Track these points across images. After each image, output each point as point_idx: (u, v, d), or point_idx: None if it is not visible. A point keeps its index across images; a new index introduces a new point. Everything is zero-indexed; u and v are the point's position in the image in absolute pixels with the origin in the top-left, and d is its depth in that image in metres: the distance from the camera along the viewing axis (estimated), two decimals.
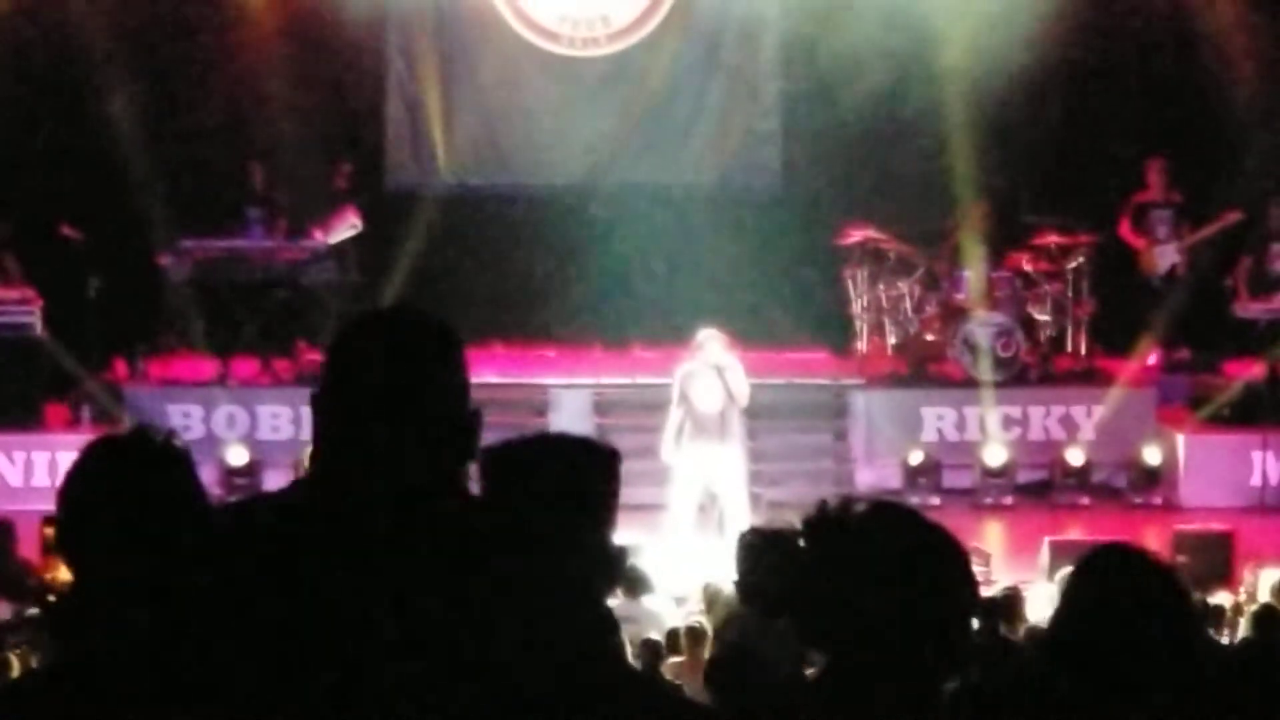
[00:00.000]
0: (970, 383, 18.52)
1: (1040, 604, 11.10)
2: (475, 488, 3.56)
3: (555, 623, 3.36)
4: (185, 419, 17.68)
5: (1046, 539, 14.61)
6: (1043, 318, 19.09)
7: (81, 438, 17.48)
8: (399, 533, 3.02)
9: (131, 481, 3.20)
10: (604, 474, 3.51)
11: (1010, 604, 11.35)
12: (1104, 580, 3.69)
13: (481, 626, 3.04)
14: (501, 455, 3.55)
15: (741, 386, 15.16)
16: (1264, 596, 12.30)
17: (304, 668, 2.96)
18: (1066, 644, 3.65)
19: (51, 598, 11.62)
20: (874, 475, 18.38)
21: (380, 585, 2.99)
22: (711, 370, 15.11)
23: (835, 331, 20.00)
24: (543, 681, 3.27)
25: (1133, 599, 3.61)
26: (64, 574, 10.89)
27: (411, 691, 2.98)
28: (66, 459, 14.19)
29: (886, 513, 3.29)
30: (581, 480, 3.48)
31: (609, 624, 3.56)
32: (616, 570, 3.53)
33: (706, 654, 10.62)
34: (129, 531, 3.17)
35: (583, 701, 3.34)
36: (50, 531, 14.38)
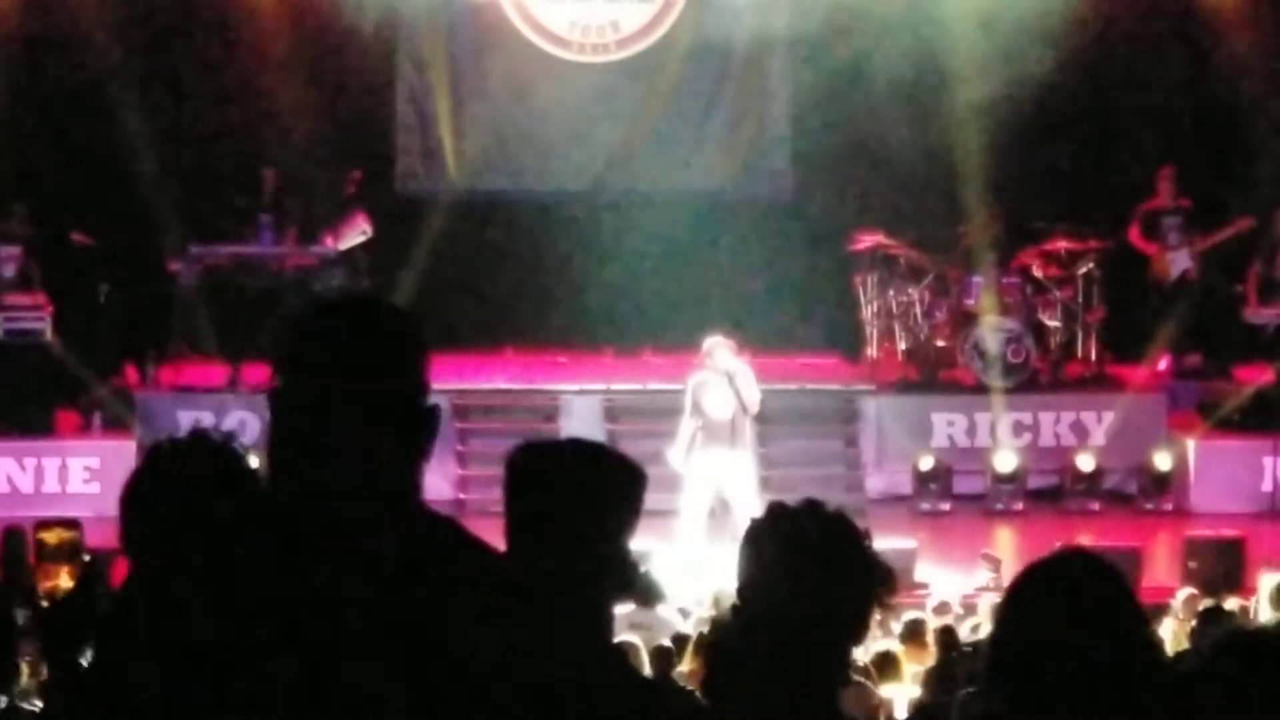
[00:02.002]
0: (981, 389, 18.52)
1: None
2: (501, 484, 3.57)
3: (563, 626, 3.37)
4: (196, 425, 17.67)
5: (1057, 545, 14.57)
6: (1053, 324, 19.09)
7: (92, 444, 17.56)
8: (357, 531, 3.00)
9: (197, 483, 3.20)
10: (632, 489, 3.53)
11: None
12: (1042, 589, 3.58)
13: (464, 629, 3.02)
14: (535, 454, 3.56)
15: (752, 394, 15.14)
16: (1266, 599, 12.30)
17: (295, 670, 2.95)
18: (1004, 654, 3.55)
19: (45, 604, 11.60)
20: (884, 481, 18.38)
21: (353, 588, 2.97)
22: (723, 377, 15.10)
23: (846, 337, 20.00)
24: (548, 684, 3.28)
25: (1071, 606, 3.50)
26: (64, 582, 10.85)
27: (406, 695, 2.97)
28: (78, 465, 14.33)
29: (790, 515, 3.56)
30: (610, 490, 3.49)
31: (609, 626, 3.57)
32: (631, 579, 3.54)
33: None
34: (194, 532, 3.17)
35: (590, 705, 3.34)
36: (46, 537, 14.43)
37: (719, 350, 15.19)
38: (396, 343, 3.09)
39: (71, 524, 14.64)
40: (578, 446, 3.69)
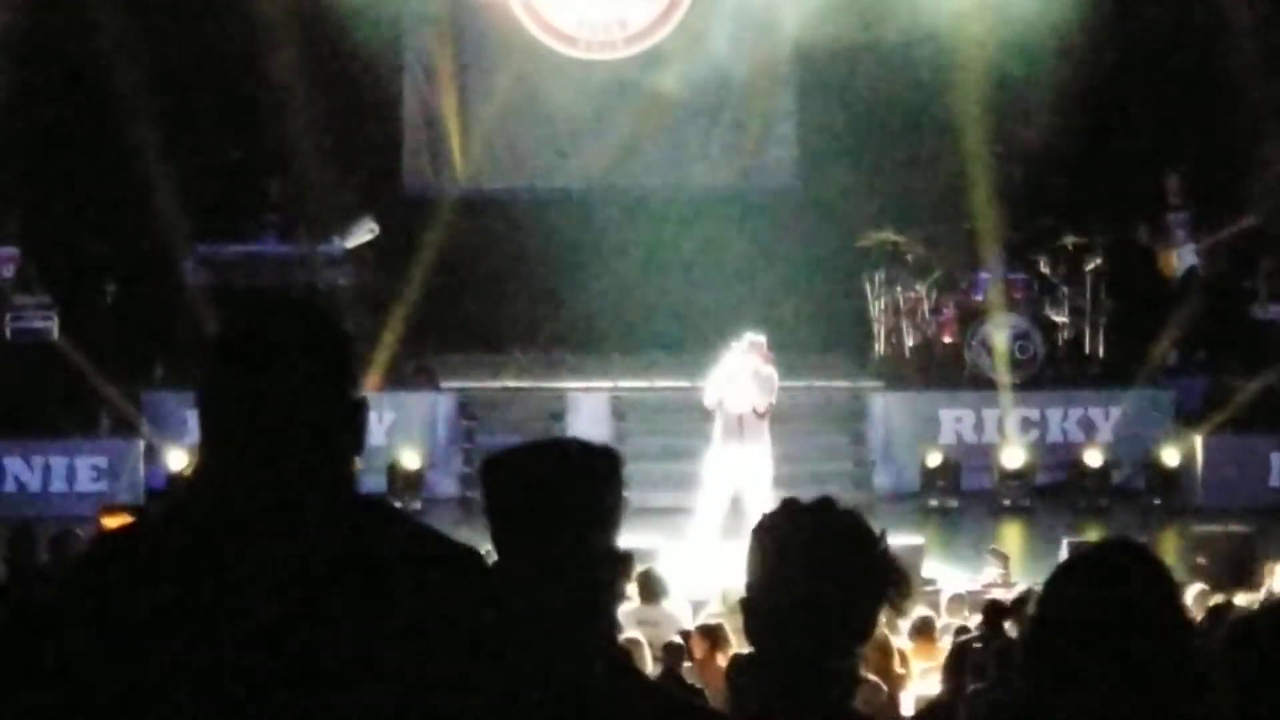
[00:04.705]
0: (988, 385, 18.52)
1: None
2: (477, 493, 3.57)
3: (555, 629, 3.36)
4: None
5: (1065, 540, 14.58)
6: (1060, 320, 19.08)
7: (99, 443, 17.57)
8: (298, 525, 3.01)
9: None
10: (606, 477, 3.50)
11: (1026, 606, 11.33)
12: (1086, 580, 3.49)
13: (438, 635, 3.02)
14: (502, 462, 3.54)
15: (757, 395, 15.32)
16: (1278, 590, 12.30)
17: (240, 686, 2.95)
18: (1044, 636, 3.51)
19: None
20: (892, 478, 18.38)
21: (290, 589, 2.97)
22: (743, 373, 15.30)
23: (853, 334, 19.99)
24: (544, 689, 3.26)
25: (1113, 599, 3.47)
26: None
27: (394, 702, 2.97)
28: (85, 465, 14.43)
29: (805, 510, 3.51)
30: (582, 484, 3.47)
31: (612, 626, 3.55)
32: (621, 573, 3.52)
33: (723, 653, 10.63)
34: None
35: (583, 703, 3.33)
36: (109, 522, 14.48)
37: (738, 346, 15.43)
38: (327, 339, 3.13)
39: (137, 510, 14.70)
40: (544, 446, 3.66)
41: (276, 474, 3.02)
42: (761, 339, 15.67)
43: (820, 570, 3.42)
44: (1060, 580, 3.48)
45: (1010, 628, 10.85)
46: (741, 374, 15.42)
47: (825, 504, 3.55)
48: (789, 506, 3.57)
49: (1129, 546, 3.52)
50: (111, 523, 14.45)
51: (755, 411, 15.37)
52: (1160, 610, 3.40)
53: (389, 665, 2.95)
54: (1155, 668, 3.34)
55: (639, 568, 11.97)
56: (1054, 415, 18.66)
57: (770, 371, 15.56)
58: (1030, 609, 3.68)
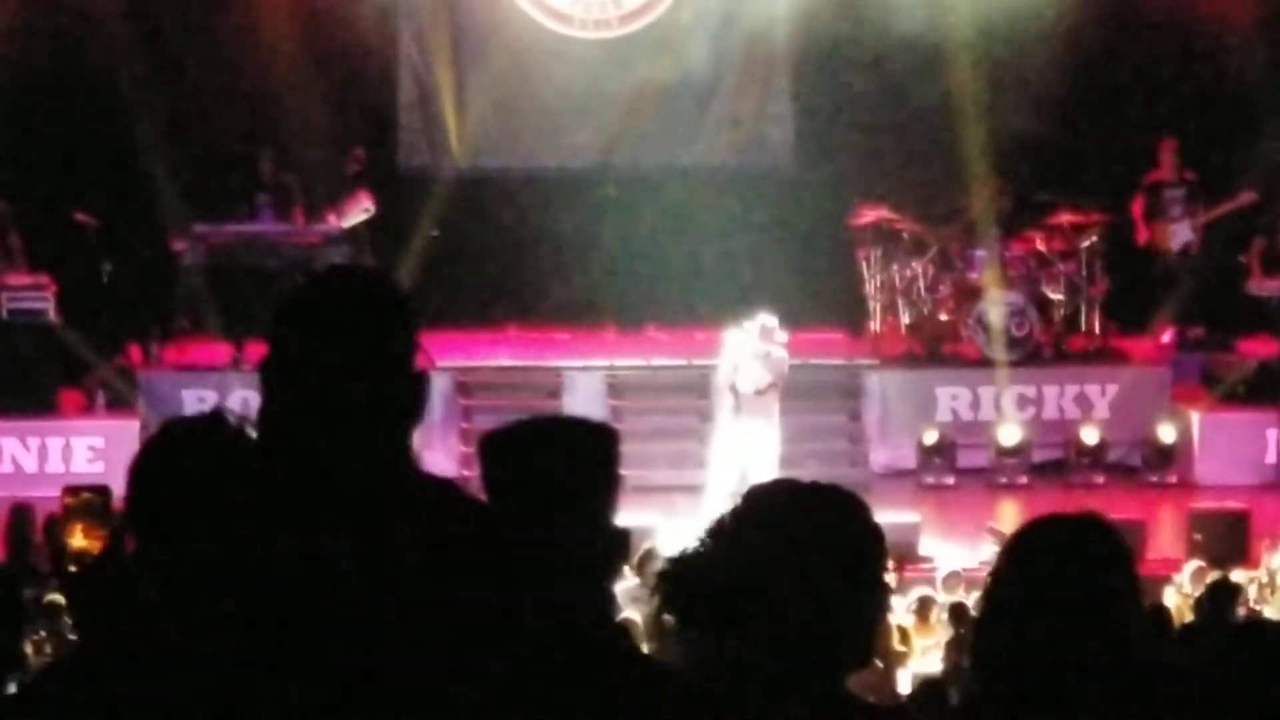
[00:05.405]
0: (985, 362, 18.51)
1: None
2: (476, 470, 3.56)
3: (553, 604, 3.35)
4: (200, 404, 17.67)
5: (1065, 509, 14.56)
6: (1057, 297, 19.06)
7: (96, 423, 17.56)
8: (355, 496, 3.02)
9: (208, 461, 3.19)
10: (602, 455, 3.50)
11: None
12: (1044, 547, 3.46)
13: (465, 603, 3.03)
14: (500, 440, 3.54)
15: (758, 375, 15.43)
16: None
17: (281, 645, 2.96)
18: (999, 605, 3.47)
19: (73, 568, 11.63)
20: (889, 455, 18.38)
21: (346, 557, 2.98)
22: (752, 355, 15.54)
23: (849, 312, 19.98)
24: (541, 661, 3.27)
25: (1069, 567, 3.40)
26: (79, 541, 10.90)
27: (404, 673, 2.98)
28: (81, 445, 14.40)
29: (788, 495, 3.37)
30: (579, 462, 3.46)
31: (610, 604, 3.55)
32: (619, 551, 3.52)
33: None
34: (204, 507, 3.16)
35: (583, 681, 3.33)
36: (69, 501, 14.47)
37: (750, 327, 15.57)
38: (384, 310, 3.12)
39: (100, 490, 14.68)
40: (543, 423, 3.65)
41: (329, 439, 3.02)
42: (774, 321, 15.77)
43: (789, 548, 3.33)
44: (1016, 558, 3.45)
45: None
46: (750, 355, 15.51)
47: (814, 486, 3.47)
48: (768, 487, 3.49)
49: (1086, 523, 3.50)
50: (73, 502, 14.46)
51: (757, 390, 15.48)
52: (1116, 588, 3.37)
53: (400, 638, 2.96)
54: (1106, 639, 3.32)
55: (641, 546, 12.03)
56: (1050, 392, 18.65)
57: (781, 354, 15.71)
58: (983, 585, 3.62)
